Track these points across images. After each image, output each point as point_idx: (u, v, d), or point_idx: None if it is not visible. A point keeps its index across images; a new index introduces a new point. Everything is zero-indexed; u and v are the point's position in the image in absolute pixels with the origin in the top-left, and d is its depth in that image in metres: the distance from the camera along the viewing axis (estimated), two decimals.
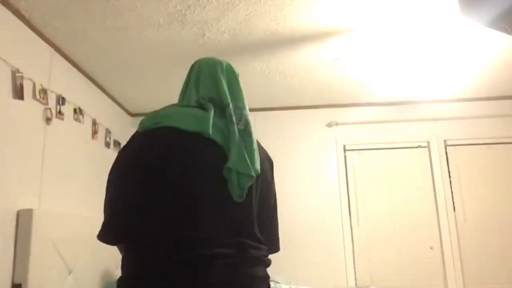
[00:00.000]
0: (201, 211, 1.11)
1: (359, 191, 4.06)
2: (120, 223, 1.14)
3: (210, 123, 1.16)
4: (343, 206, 4.01)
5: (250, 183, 1.16)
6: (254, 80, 3.57)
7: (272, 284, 3.31)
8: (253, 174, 1.16)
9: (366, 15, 2.60)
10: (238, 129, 1.21)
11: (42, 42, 2.71)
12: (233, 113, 1.22)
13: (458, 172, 4.01)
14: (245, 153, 1.17)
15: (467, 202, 3.94)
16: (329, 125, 4.21)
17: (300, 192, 4.05)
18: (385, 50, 3.06)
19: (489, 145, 4.03)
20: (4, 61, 2.30)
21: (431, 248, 3.88)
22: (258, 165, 1.20)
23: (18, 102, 2.40)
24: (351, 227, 3.97)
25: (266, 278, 1.24)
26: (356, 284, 3.83)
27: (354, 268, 3.88)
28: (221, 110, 1.23)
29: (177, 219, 1.10)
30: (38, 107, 2.62)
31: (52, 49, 2.82)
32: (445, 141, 4.08)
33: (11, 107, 2.36)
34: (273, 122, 4.23)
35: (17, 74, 2.39)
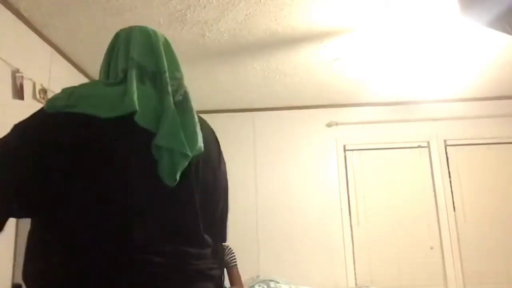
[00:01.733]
0: (130, 214, 0.89)
1: (359, 191, 4.06)
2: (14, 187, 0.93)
3: (134, 102, 0.94)
4: (343, 206, 4.01)
5: (184, 163, 0.93)
6: (254, 80, 3.57)
7: (272, 284, 3.31)
8: (189, 152, 0.94)
9: (366, 15, 2.60)
10: (175, 102, 0.99)
11: (42, 42, 2.71)
12: (169, 83, 1.02)
13: (458, 172, 4.01)
14: (180, 127, 0.95)
15: (467, 202, 3.94)
16: (329, 125, 4.21)
17: (300, 192, 4.05)
18: (385, 50, 3.06)
19: (489, 145, 4.03)
20: (4, 61, 2.30)
21: (431, 248, 3.88)
22: (199, 143, 0.97)
23: (18, 102, 2.40)
24: (351, 227, 3.97)
25: None
26: (356, 284, 3.83)
27: (354, 268, 3.88)
28: (153, 79, 1.02)
29: (102, 223, 0.88)
30: (38, 107, 2.61)
31: (52, 49, 2.82)
32: (445, 141, 4.08)
33: (11, 107, 2.36)
34: (273, 122, 4.23)
35: (17, 74, 2.39)
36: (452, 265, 3.81)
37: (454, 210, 3.94)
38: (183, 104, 1.01)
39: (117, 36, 1.19)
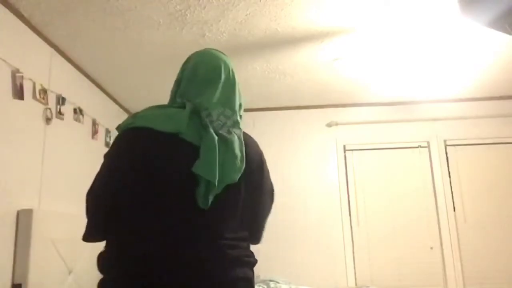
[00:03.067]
0: (168, 214, 1.11)
1: (359, 191, 4.06)
2: (103, 220, 1.15)
3: (184, 123, 1.14)
4: (343, 206, 4.01)
5: (214, 192, 1.12)
6: (254, 80, 3.57)
7: (272, 284, 3.31)
8: (216, 183, 1.11)
9: (366, 15, 2.60)
10: (219, 134, 1.16)
11: (42, 42, 2.71)
12: (207, 117, 1.18)
13: (458, 172, 4.01)
14: (215, 161, 1.12)
15: (467, 202, 3.94)
16: (329, 125, 4.21)
17: (300, 192, 4.05)
18: (385, 50, 3.06)
19: (489, 145, 4.03)
20: (4, 61, 2.30)
21: (431, 248, 3.88)
22: (232, 176, 1.15)
23: (18, 102, 2.40)
24: (351, 227, 3.97)
25: (249, 280, 1.22)
26: (356, 284, 3.83)
27: (354, 268, 3.88)
28: (198, 112, 1.19)
29: (149, 220, 1.11)
30: (38, 107, 2.62)
31: (52, 49, 2.82)
32: (445, 141, 4.08)
33: (11, 107, 2.36)
34: (273, 122, 4.23)
35: (17, 74, 2.39)
36: (452, 265, 3.81)
37: (454, 210, 3.94)
38: (225, 138, 1.17)
39: (187, 62, 1.34)
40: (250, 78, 3.51)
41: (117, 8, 2.46)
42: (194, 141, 1.13)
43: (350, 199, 4.04)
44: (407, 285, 3.77)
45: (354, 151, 4.16)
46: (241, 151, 1.19)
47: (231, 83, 1.29)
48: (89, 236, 1.18)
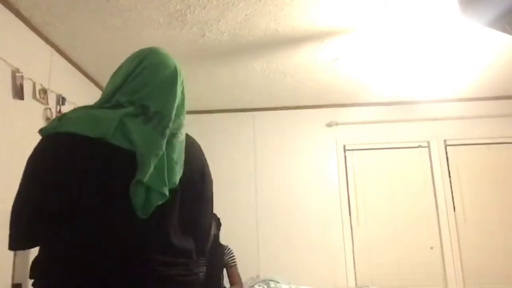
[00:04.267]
0: (103, 226, 1.01)
1: (359, 191, 4.06)
2: (31, 226, 1.07)
3: (113, 126, 1.03)
4: (343, 206, 4.01)
5: (159, 201, 1.03)
6: (254, 80, 3.57)
7: (272, 284, 3.31)
8: (167, 193, 1.03)
9: (366, 15, 2.60)
10: (167, 140, 1.07)
11: (42, 42, 2.71)
12: (169, 126, 1.09)
13: (458, 172, 4.01)
14: (165, 170, 1.04)
15: (467, 202, 3.94)
16: (329, 125, 4.21)
17: (300, 192, 4.05)
18: (385, 50, 3.06)
19: (489, 145, 4.03)
20: (4, 61, 2.30)
21: (431, 248, 3.88)
22: (175, 180, 1.07)
23: (18, 102, 2.40)
24: (351, 227, 3.97)
25: None
26: (356, 284, 3.83)
27: (354, 268, 3.88)
28: (152, 118, 1.08)
29: (83, 233, 1.01)
30: (38, 107, 2.62)
31: (52, 49, 2.82)
32: (445, 141, 4.08)
33: (11, 107, 2.36)
34: (273, 122, 4.23)
35: (17, 74, 2.39)
36: (452, 265, 3.81)
37: (454, 210, 3.94)
38: (173, 142, 1.09)
39: (143, 60, 1.19)
40: (250, 78, 3.51)
41: (117, 8, 2.46)
42: (124, 145, 1.03)
43: (350, 199, 4.04)
44: (407, 285, 3.77)
45: (354, 151, 4.16)
46: (181, 157, 1.12)
47: (182, 86, 1.20)
48: (16, 245, 1.09)
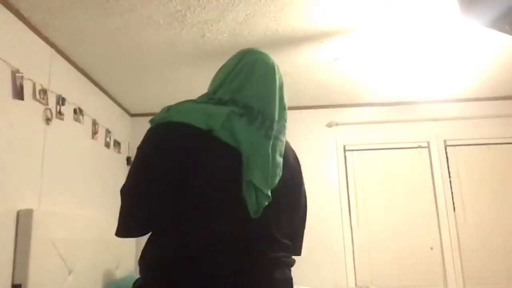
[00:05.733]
0: (224, 221, 1.06)
1: (359, 191, 4.06)
2: (146, 212, 1.09)
3: (220, 121, 1.06)
4: (343, 206, 4.01)
5: (266, 202, 1.07)
6: None
7: None
8: (269, 194, 1.08)
9: (366, 15, 2.60)
10: (273, 142, 1.11)
11: (42, 42, 2.71)
12: (265, 122, 1.12)
13: (458, 172, 4.01)
14: (270, 173, 1.08)
15: (467, 202, 3.94)
16: (329, 125, 4.21)
17: None
18: (385, 50, 3.06)
19: (489, 146, 4.03)
20: (4, 61, 2.30)
21: (431, 248, 3.88)
22: (276, 182, 1.11)
23: (18, 102, 2.40)
24: (351, 227, 3.97)
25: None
26: (356, 284, 3.83)
27: (354, 268, 3.88)
28: (256, 119, 1.11)
29: (198, 218, 1.05)
30: (38, 107, 2.62)
31: (52, 49, 2.82)
32: (445, 141, 4.08)
33: (11, 107, 2.36)
34: None
35: (17, 74, 2.39)
36: (452, 265, 3.81)
37: (454, 210, 3.94)
38: (277, 144, 1.13)
39: (242, 58, 1.23)
40: None
41: (117, 8, 2.46)
42: (230, 141, 1.07)
43: (350, 199, 4.04)
44: (407, 285, 3.77)
45: (354, 151, 4.16)
46: (282, 159, 1.16)
47: (282, 86, 1.23)
48: (128, 231, 1.12)
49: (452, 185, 3.99)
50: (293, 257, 1.30)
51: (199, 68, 3.26)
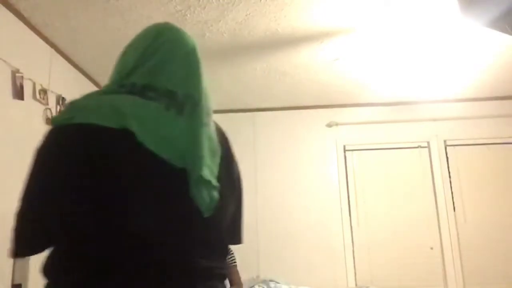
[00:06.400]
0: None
1: (359, 191, 4.06)
2: (54, 227, 0.91)
3: (142, 121, 0.89)
4: (343, 206, 4.01)
5: (217, 195, 0.94)
6: (254, 80, 3.57)
7: (272, 284, 3.31)
8: (217, 185, 0.95)
9: (366, 15, 2.60)
10: (204, 128, 0.96)
11: (42, 42, 2.71)
12: (192, 107, 0.96)
13: (458, 172, 4.01)
14: (206, 158, 0.94)
15: (467, 202, 3.94)
16: (329, 125, 4.21)
17: (300, 192, 4.05)
18: (385, 50, 3.06)
19: (489, 146, 4.03)
20: (4, 61, 2.30)
21: (431, 248, 3.88)
22: (217, 168, 0.99)
23: (18, 102, 2.40)
24: (351, 227, 3.97)
25: None
26: (356, 284, 3.83)
27: (354, 268, 3.88)
28: (183, 106, 0.95)
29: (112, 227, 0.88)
30: (38, 107, 2.62)
31: (52, 49, 2.82)
32: (445, 141, 4.08)
33: (11, 107, 2.36)
34: (273, 122, 4.23)
35: (17, 74, 2.39)
36: (452, 265, 3.81)
37: (454, 210, 3.94)
38: (210, 130, 0.99)
39: (150, 35, 1.08)
40: (250, 78, 3.51)
41: (117, 8, 2.46)
42: (158, 146, 0.89)
43: (350, 199, 4.04)
44: (407, 285, 3.77)
45: (354, 151, 4.16)
46: (216, 144, 1.01)
47: (202, 66, 1.06)
48: (21, 252, 0.96)
49: (452, 185, 3.99)
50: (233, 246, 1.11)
51: None
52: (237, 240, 1.14)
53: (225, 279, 1.04)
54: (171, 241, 0.90)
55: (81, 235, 0.90)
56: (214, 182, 0.94)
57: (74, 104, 0.94)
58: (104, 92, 0.99)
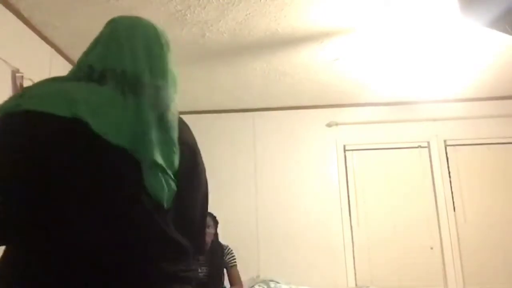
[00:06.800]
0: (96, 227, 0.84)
1: (359, 191, 4.06)
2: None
3: (91, 106, 0.85)
4: (343, 206, 4.01)
5: (175, 186, 0.91)
6: (254, 80, 3.57)
7: (272, 284, 3.31)
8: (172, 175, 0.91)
9: (366, 15, 2.60)
10: (159, 115, 0.92)
11: (42, 42, 2.71)
12: (150, 95, 0.92)
13: (458, 172, 4.01)
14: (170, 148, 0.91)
15: (467, 202, 3.94)
16: (329, 125, 4.21)
17: (300, 192, 4.05)
18: (385, 50, 3.06)
19: (489, 145, 4.03)
20: (4, 61, 2.30)
21: (431, 248, 3.88)
22: (176, 163, 0.93)
23: None
24: (351, 227, 3.97)
25: None
26: (356, 285, 3.83)
27: (354, 269, 3.88)
28: (131, 87, 0.92)
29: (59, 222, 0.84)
30: None
31: (52, 49, 2.82)
32: (445, 141, 4.08)
33: None
34: (273, 122, 4.23)
35: (17, 74, 2.39)
36: (452, 265, 3.81)
37: (454, 210, 3.94)
38: (167, 116, 0.94)
39: (107, 24, 1.08)
40: (250, 78, 3.51)
41: (117, 8, 2.46)
42: (107, 132, 0.86)
43: (350, 199, 4.04)
44: (407, 285, 3.77)
45: (354, 151, 4.15)
46: (176, 135, 0.96)
47: (168, 52, 1.03)
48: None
49: (452, 185, 3.98)
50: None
51: (199, 68, 3.26)
52: (200, 249, 1.07)
53: (192, 281, 0.96)
54: (120, 245, 0.85)
55: (27, 226, 0.85)
56: (169, 170, 0.89)
57: (24, 91, 0.91)
58: (61, 79, 0.97)
